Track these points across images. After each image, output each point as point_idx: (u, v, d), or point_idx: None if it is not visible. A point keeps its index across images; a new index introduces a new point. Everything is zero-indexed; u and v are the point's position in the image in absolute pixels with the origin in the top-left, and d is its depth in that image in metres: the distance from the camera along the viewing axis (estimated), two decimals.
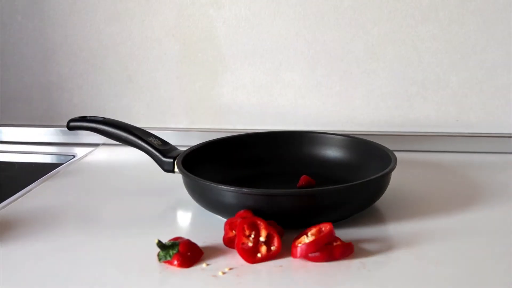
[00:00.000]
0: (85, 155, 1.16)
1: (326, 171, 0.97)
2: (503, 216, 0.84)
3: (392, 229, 0.82)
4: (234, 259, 0.73)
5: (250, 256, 0.72)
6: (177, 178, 0.90)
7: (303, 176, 0.93)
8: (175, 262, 0.71)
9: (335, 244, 0.72)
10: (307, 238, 0.72)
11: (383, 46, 1.12)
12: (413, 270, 0.71)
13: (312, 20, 1.13)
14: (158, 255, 0.72)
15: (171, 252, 0.72)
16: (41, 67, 1.21)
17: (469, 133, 1.14)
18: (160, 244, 0.72)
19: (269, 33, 1.15)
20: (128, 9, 1.17)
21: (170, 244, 0.72)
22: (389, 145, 0.94)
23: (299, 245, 0.72)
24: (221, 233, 0.78)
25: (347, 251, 0.73)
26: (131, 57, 1.19)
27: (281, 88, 1.17)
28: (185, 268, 0.71)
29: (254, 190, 0.79)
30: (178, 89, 1.19)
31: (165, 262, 0.72)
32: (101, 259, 0.75)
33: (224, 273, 0.70)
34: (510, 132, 1.13)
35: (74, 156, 1.16)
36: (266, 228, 0.73)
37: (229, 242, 0.75)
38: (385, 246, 0.76)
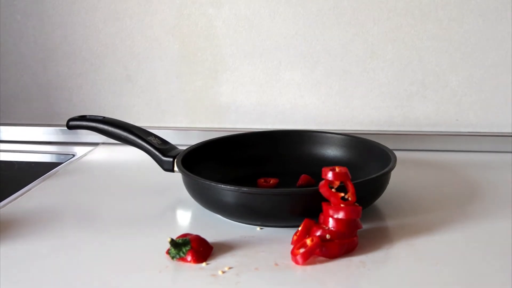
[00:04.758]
0: (85, 154, 1.16)
1: None
2: (502, 215, 0.84)
3: (392, 228, 0.82)
4: (234, 258, 0.73)
5: None
6: (176, 177, 0.90)
7: (303, 175, 0.93)
8: (189, 258, 0.71)
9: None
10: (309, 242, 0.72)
11: (382, 45, 1.12)
12: (413, 269, 0.71)
13: (311, 19, 1.13)
14: (170, 253, 0.72)
15: (184, 249, 0.71)
16: (41, 67, 1.21)
17: (468, 132, 1.14)
18: (173, 242, 0.72)
19: (268, 32, 1.15)
20: (127, 8, 1.17)
21: (181, 241, 0.72)
22: (388, 144, 0.94)
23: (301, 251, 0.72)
24: (221, 232, 0.78)
25: (350, 247, 0.73)
26: (130, 57, 1.19)
27: (280, 87, 1.17)
28: (186, 267, 0.71)
29: (253, 189, 0.79)
30: (177, 88, 1.19)
31: (178, 259, 0.72)
32: (101, 258, 0.74)
33: (223, 272, 0.70)
34: (510, 131, 1.13)
35: (73, 155, 1.16)
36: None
37: None
38: (385, 245, 0.76)
